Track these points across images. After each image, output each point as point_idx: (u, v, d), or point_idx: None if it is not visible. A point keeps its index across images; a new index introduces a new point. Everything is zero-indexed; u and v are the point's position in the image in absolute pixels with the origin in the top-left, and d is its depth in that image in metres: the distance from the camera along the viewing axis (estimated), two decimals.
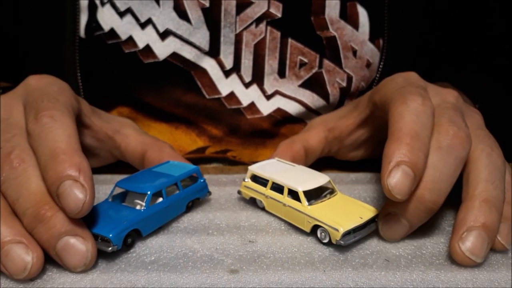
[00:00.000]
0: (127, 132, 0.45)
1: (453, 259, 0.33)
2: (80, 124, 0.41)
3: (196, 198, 0.40)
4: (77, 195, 0.30)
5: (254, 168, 0.41)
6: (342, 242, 0.34)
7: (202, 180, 0.41)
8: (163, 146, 0.44)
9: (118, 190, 0.38)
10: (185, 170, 0.40)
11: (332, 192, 0.39)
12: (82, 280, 0.31)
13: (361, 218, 0.35)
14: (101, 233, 0.33)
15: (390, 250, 0.35)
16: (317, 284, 0.31)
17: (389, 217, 0.35)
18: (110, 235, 0.33)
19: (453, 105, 0.37)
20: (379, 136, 0.42)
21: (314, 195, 0.38)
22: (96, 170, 0.47)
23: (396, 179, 0.32)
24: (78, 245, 0.31)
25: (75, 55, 0.50)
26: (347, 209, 0.37)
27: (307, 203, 0.36)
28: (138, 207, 0.36)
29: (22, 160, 0.33)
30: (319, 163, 0.48)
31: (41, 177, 0.32)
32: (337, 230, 0.34)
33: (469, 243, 0.32)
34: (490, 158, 0.35)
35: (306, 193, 0.37)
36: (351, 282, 0.31)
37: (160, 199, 0.37)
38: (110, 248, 0.33)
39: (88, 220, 0.34)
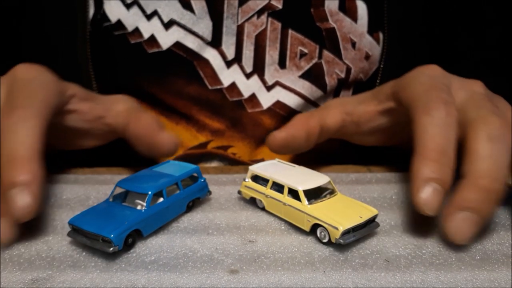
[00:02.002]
0: (117, 108, 0.44)
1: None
2: (65, 111, 0.41)
3: (197, 198, 0.40)
4: (24, 202, 0.32)
5: (255, 168, 0.41)
6: (341, 240, 0.34)
7: (202, 180, 0.41)
8: (141, 116, 0.44)
9: (119, 190, 0.38)
10: (186, 170, 0.40)
11: (332, 192, 0.39)
12: (82, 279, 0.31)
13: (361, 217, 0.35)
14: (102, 233, 0.33)
15: (390, 250, 0.35)
16: (317, 285, 0.31)
17: (456, 218, 0.34)
18: (111, 236, 0.33)
19: (485, 95, 0.38)
20: (399, 128, 0.42)
21: (314, 194, 0.38)
22: (96, 169, 0.47)
23: (426, 195, 0.33)
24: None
25: (87, 46, 0.50)
26: (346, 208, 0.37)
27: (307, 202, 0.36)
28: (139, 207, 0.36)
29: None
30: (319, 163, 0.48)
31: None
32: (336, 228, 0.34)
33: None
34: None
35: (306, 192, 0.37)
36: (351, 283, 0.31)
37: (161, 199, 0.37)
38: (111, 249, 0.33)
39: (89, 220, 0.34)
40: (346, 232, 0.34)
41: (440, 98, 0.36)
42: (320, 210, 0.36)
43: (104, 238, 0.33)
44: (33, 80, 0.38)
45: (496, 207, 0.34)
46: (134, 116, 0.44)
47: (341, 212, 0.36)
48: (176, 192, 0.39)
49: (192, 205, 0.40)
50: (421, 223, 0.37)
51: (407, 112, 0.38)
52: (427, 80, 0.38)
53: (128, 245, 0.34)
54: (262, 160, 0.54)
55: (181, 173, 0.39)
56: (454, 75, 0.40)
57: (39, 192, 0.33)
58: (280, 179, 0.38)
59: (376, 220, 0.37)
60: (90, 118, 0.44)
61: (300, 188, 0.37)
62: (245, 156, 0.54)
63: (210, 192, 0.42)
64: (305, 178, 0.38)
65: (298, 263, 0.33)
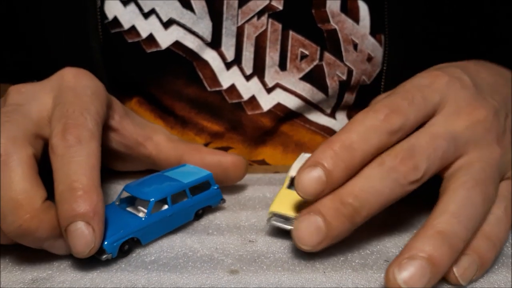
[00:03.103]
0: (157, 139, 0.42)
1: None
2: (108, 127, 0.39)
3: (208, 206, 0.39)
4: (87, 238, 0.30)
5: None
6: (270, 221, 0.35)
7: (215, 187, 0.39)
8: (199, 147, 0.42)
9: (126, 194, 0.37)
10: (196, 177, 0.38)
11: None
12: (82, 279, 0.31)
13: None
14: None
15: (390, 250, 0.35)
16: (317, 285, 0.31)
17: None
18: (104, 244, 0.32)
19: (485, 123, 0.34)
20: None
21: None
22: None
23: (306, 176, 0.31)
24: (61, 245, 0.32)
25: (100, 44, 0.49)
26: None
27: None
28: (141, 214, 0.35)
29: (5, 151, 0.31)
30: None
31: (26, 175, 0.31)
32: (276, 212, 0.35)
33: (406, 273, 0.28)
34: (469, 193, 0.31)
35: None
36: (351, 283, 0.31)
37: (166, 207, 0.36)
38: (104, 257, 0.32)
39: None
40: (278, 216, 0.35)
41: (393, 104, 0.33)
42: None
43: None
44: (84, 90, 0.36)
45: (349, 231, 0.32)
46: (189, 146, 0.42)
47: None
48: (184, 199, 0.37)
49: (202, 213, 0.39)
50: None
51: None
52: (410, 85, 0.36)
53: (123, 252, 0.33)
54: (263, 160, 0.54)
55: (191, 180, 0.38)
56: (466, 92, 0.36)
57: (102, 227, 0.31)
58: None
59: (376, 219, 0.37)
60: (129, 144, 0.41)
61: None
62: (246, 157, 0.54)
63: (223, 200, 0.40)
64: None
65: (298, 263, 0.33)
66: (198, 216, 0.38)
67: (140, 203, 0.36)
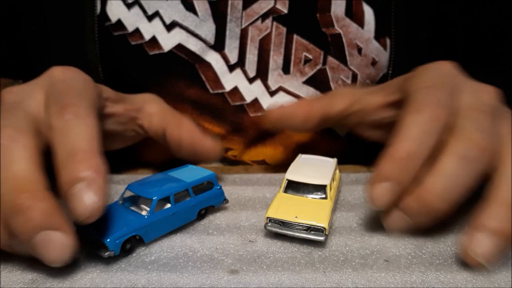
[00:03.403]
0: (149, 110, 0.44)
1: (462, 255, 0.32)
2: (103, 115, 0.40)
3: (211, 206, 0.39)
4: (90, 198, 0.29)
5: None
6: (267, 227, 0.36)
7: (218, 187, 0.40)
8: (182, 121, 0.43)
9: (129, 193, 0.37)
10: (199, 177, 0.39)
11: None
12: (82, 279, 0.31)
13: (296, 217, 0.35)
14: (98, 237, 0.32)
15: (390, 250, 0.35)
16: (317, 285, 0.31)
17: (392, 214, 0.35)
18: (107, 241, 0.32)
19: (487, 106, 0.36)
20: None
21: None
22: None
23: (378, 191, 0.34)
24: (56, 240, 0.29)
25: (96, 46, 0.50)
26: (305, 206, 0.37)
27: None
28: (143, 213, 0.35)
29: (12, 138, 0.31)
30: None
31: (31, 159, 0.31)
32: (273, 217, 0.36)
33: (479, 247, 0.31)
34: None
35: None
36: (351, 283, 0.31)
37: (168, 205, 0.36)
38: (106, 254, 0.32)
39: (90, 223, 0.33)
40: (274, 221, 0.36)
41: (434, 99, 0.35)
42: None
43: (100, 242, 0.32)
44: (74, 80, 0.37)
45: (430, 222, 0.34)
46: (174, 120, 0.43)
47: (294, 208, 0.36)
48: (187, 199, 0.37)
49: (205, 213, 0.39)
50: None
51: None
52: (433, 77, 0.38)
53: (126, 250, 0.33)
54: (263, 161, 0.54)
55: (194, 179, 0.38)
56: (470, 78, 0.39)
57: (104, 189, 0.30)
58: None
59: (376, 219, 0.37)
60: (124, 120, 0.43)
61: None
62: (246, 157, 0.54)
63: (227, 201, 0.40)
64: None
65: (298, 263, 0.33)
66: (201, 216, 0.38)
67: (143, 201, 0.36)
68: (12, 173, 0.30)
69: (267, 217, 0.36)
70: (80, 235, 0.33)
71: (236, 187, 0.43)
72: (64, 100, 0.34)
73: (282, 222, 0.35)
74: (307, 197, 0.38)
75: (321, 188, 0.38)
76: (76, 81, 0.37)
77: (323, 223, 0.34)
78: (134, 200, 0.37)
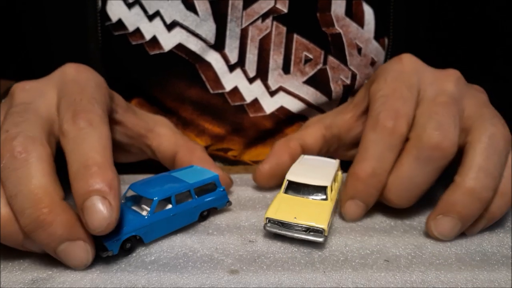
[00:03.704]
0: (160, 131, 0.43)
1: (426, 230, 0.36)
2: (111, 121, 0.40)
3: (214, 208, 0.39)
4: (103, 213, 0.30)
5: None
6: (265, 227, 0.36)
7: (221, 189, 0.39)
8: (195, 148, 0.43)
9: (132, 193, 0.37)
10: (202, 178, 0.38)
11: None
12: (82, 280, 0.31)
13: (295, 218, 0.35)
14: (97, 237, 0.32)
15: (390, 250, 0.35)
16: (317, 285, 0.31)
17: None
18: (106, 240, 0.32)
19: (449, 97, 0.37)
20: None
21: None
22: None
23: (347, 209, 0.38)
24: (78, 249, 0.31)
25: (98, 45, 0.49)
26: (303, 208, 0.36)
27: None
28: (144, 213, 0.35)
29: (25, 149, 0.31)
30: None
31: (45, 172, 0.31)
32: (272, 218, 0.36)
33: (440, 227, 0.35)
34: (492, 140, 0.35)
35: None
36: (351, 283, 0.31)
37: (170, 206, 0.36)
38: (105, 253, 0.32)
39: None
40: (272, 222, 0.36)
41: (391, 110, 0.36)
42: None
43: (98, 242, 0.32)
44: (88, 82, 0.36)
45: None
46: (186, 145, 0.43)
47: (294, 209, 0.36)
48: (188, 200, 0.37)
49: (207, 214, 0.39)
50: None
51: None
52: (391, 80, 0.39)
53: (125, 250, 0.33)
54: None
55: (196, 180, 0.38)
56: (429, 66, 0.40)
57: (118, 203, 0.31)
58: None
59: (376, 219, 0.37)
60: (132, 135, 0.43)
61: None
62: (246, 157, 0.54)
63: (230, 203, 0.40)
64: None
65: (298, 263, 0.33)
66: (203, 217, 0.38)
67: (145, 202, 0.36)
68: (31, 188, 0.30)
69: (266, 218, 0.36)
70: None
71: (236, 187, 0.43)
72: (78, 106, 0.34)
73: (281, 223, 0.35)
74: (307, 198, 0.38)
75: (321, 189, 0.37)
76: (90, 83, 0.37)
77: (323, 225, 0.34)
78: (136, 200, 0.37)
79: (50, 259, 0.33)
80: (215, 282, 0.31)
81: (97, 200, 0.30)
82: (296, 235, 0.35)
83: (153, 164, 0.46)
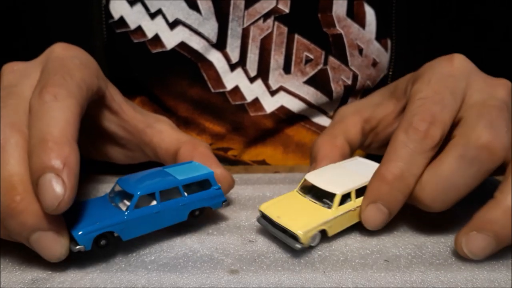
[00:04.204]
0: (161, 128, 0.42)
1: (455, 246, 0.33)
2: (106, 108, 0.39)
3: (208, 207, 0.37)
4: (55, 191, 0.28)
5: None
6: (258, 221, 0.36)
7: (216, 188, 0.37)
8: (198, 144, 0.41)
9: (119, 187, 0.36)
10: (194, 174, 0.36)
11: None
12: (82, 280, 0.31)
13: (279, 217, 0.34)
14: (70, 230, 0.31)
15: (390, 250, 0.35)
16: (317, 285, 0.31)
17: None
18: (77, 234, 0.31)
19: (501, 102, 0.35)
20: None
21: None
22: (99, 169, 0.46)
23: (369, 213, 0.35)
24: (51, 240, 0.30)
25: (103, 43, 0.49)
26: (296, 210, 0.36)
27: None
28: (124, 209, 0.33)
29: (2, 136, 0.31)
30: None
31: (21, 159, 0.30)
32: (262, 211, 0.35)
33: (472, 244, 0.32)
34: None
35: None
36: (351, 283, 0.31)
37: (154, 203, 0.34)
38: (76, 248, 0.31)
39: (71, 213, 0.32)
40: (264, 217, 0.35)
41: (428, 115, 0.34)
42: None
43: (71, 235, 0.31)
44: (72, 59, 0.35)
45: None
46: (190, 141, 0.41)
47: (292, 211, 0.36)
48: (176, 197, 0.35)
49: (199, 214, 0.37)
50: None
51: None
52: (436, 82, 0.36)
53: (100, 246, 0.32)
54: (263, 161, 0.54)
55: (187, 177, 0.35)
56: (481, 72, 0.38)
57: (73, 181, 0.29)
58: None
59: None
60: (129, 129, 0.41)
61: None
62: (246, 157, 0.54)
63: (227, 203, 0.38)
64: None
65: (298, 263, 0.33)
66: (194, 217, 0.36)
67: (126, 197, 0.35)
68: (4, 175, 0.30)
69: (259, 210, 0.35)
70: None
71: (236, 186, 0.43)
72: (49, 80, 0.32)
73: (271, 221, 0.35)
74: (313, 201, 0.36)
75: (330, 196, 0.35)
76: (74, 60, 0.35)
77: (299, 231, 0.33)
78: (122, 195, 0.35)
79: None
80: (215, 282, 0.31)
81: (50, 177, 0.28)
82: (277, 234, 0.34)
83: (154, 165, 0.45)
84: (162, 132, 0.41)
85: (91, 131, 0.41)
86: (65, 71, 0.33)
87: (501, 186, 0.32)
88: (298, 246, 0.33)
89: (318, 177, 0.37)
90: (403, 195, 0.34)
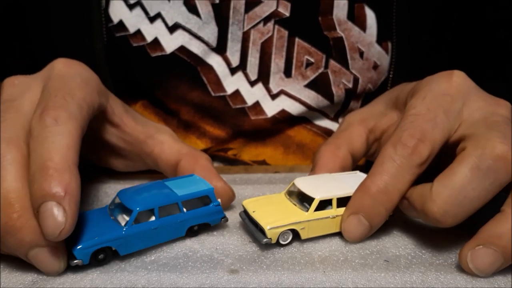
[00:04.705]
0: (162, 139, 0.42)
1: (459, 261, 0.32)
2: (107, 122, 0.40)
3: (206, 223, 0.36)
4: (57, 219, 0.28)
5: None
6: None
7: (215, 204, 0.37)
8: (199, 156, 0.41)
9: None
10: (194, 191, 0.36)
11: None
12: (82, 280, 0.31)
13: (254, 212, 0.36)
14: (68, 244, 0.31)
15: (390, 250, 0.35)
16: (317, 285, 0.31)
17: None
18: (75, 249, 0.31)
19: (505, 118, 0.34)
20: None
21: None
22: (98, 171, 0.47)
23: (349, 225, 0.35)
24: (49, 256, 0.30)
25: (103, 46, 0.49)
26: (273, 208, 0.36)
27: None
28: (123, 224, 0.33)
29: (2, 152, 0.31)
30: None
31: (19, 175, 0.30)
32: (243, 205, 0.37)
33: (478, 260, 0.31)
34: None
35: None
36: (351, 283, 0.31)
37: (153, 218, 0.34)
38: (74, 262, 0.31)
39: None
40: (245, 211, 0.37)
41: (418, 131, 0.34)
42: None
43: (69, 250, 0.31)
44: (73, 77, 0.35)
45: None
46: (191, 153, 0.41)
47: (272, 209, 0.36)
48: (175, 213, 0.35)
49: (198, 230, 0.36)
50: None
51: None
52: (430, 99, 0.36)
53: (98, 260, 0.32)
54: (263, 161, 0.54)
55: (187, 193, 0.35)
56: (481, 90, 0.37)
57: (74, 208, 0.29)
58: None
59: None
60: (130, 140, 0.41)
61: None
62: (246, 157, 0.54)
63: (226, 219, 0.37)
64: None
65: (298, 263, 0.33)
66: (192, 232, 0.36)
67: (125, 211, 0.35)
68: (2, 192, 0.30)
69: (242, 205, 0.37)
70: None
71: (236, 186, 0.43)
72: (50, 102, 0.32)
73: (249, 217, 0.36)
74: (293, 203, 0.37)
75: (309, 200, 0.36)
76: (75, 78, 0.35)
77: (266, 226, 0.34)
78: (123, 208, 0.35)
79: None
80: (215, 282, 0.31)
81: (51, 206, 0.29)
82: (250, 228, 0.35)
83: (155, 173, 0.46)
84: (163, 143, 0.41)
85: (92, 142, 0.41)
86: (66, 91, 0.33)
87: (509, 200, 0.32)
88: (264, 240, 0.34)
89: (305, 183, 0.37)
90: (385, 209, 0.34)
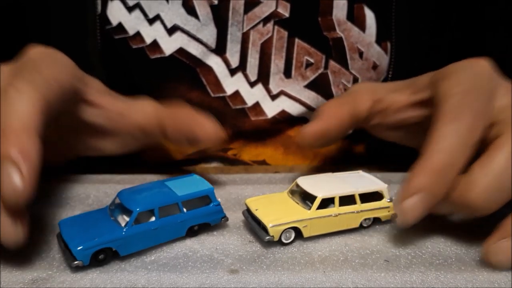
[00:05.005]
0: (144, 107, 0.42)
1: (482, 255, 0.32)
2: (87, 104, 0.40)
3: (206, 223, 0.36)
4: (12, 179, 0.28)
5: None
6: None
7: (215, 204, 0.37)
8: (181, 106, 0.41)
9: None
10: (193, 191, 0.36)
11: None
12: (82, 280, 0.31)
13: (256, 210, 0.36)
14: (69, 244, 0.32)
15: (390, 250, 0.35)
16: (317, 285, 0.31)
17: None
18: (75, 250, 0.31)
19: None
20: (426, 126, 0.36)
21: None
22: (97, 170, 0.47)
23: (410, 204, 0.32)
24: (7, 226, 0.30)
25: (97, 47, 0.49)
26: (276, 207, 0.37)
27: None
28: (123, 224, 0.33)
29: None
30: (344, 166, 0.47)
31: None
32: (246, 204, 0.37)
33: (502, 254, 0.31)
34: None
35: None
36: (351, 283, 0.31)
37: (153, 219, 0.34)
38: (74, 263, 0.31)
39: (71, 226, 0.33)
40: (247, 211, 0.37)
41: (472, 107, 0.33)
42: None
43: (70, 250, 0.32)
44: (43, 59, 0.35)
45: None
46: (170, 111, 0.41)
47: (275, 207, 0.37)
48: (175, 213, 0.35)
49: (198, 230, 0.36)
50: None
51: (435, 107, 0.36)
52: (469, 80, 0.36)
53: (98, 261, 0.32)
54: (264, 161, 0.54)
55: (187, 193, 0.35)
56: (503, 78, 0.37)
57: (31, 172, 0.29)
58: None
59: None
60: (112, 116, 0.41)
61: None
62: (246, 157, 0.54)
63: (226, 219, 0.37)
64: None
65: (298, 263, 0.33)
66: (193, 232, 0.36)
67: (125, 212, 0.35)
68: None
69: (245, 203, 0.37)
70: (58, 240, 0.34)
71: (236, 186, 0.43)
72: (15, 77, 0.33)
73: (253, 216, 0.36)
74: (296, 202, 0.37)
75: (312, 199, 0.36)
76: (44, 59, 0.35)
77: (269, 223, 0.34)
78: (123, 209, 0.35)
79: (50, 259, 0.33)
80: (215, 282, 0.31)
81: (6, 167, 0.28)
82: (254, 226, 0.35)
83: (154, 164, 0.46)
84: (144, 106, 0.42)
85: (79, 130, 0.41)
86: (33, 69, 0.34)
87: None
88: (266, 238, 0.34)
89: (308, 181, 0.38)
90: (447, 186, 0.32)
